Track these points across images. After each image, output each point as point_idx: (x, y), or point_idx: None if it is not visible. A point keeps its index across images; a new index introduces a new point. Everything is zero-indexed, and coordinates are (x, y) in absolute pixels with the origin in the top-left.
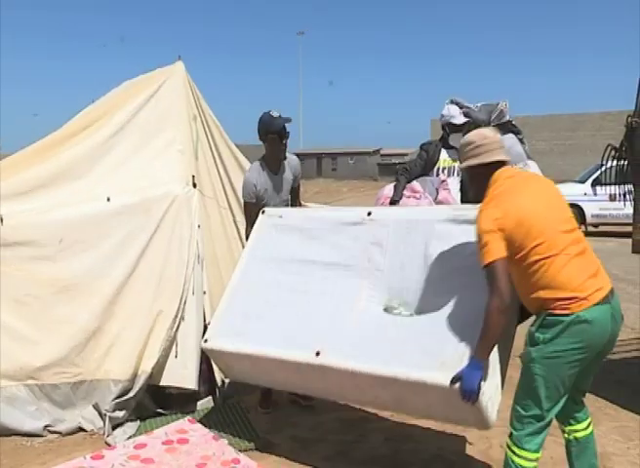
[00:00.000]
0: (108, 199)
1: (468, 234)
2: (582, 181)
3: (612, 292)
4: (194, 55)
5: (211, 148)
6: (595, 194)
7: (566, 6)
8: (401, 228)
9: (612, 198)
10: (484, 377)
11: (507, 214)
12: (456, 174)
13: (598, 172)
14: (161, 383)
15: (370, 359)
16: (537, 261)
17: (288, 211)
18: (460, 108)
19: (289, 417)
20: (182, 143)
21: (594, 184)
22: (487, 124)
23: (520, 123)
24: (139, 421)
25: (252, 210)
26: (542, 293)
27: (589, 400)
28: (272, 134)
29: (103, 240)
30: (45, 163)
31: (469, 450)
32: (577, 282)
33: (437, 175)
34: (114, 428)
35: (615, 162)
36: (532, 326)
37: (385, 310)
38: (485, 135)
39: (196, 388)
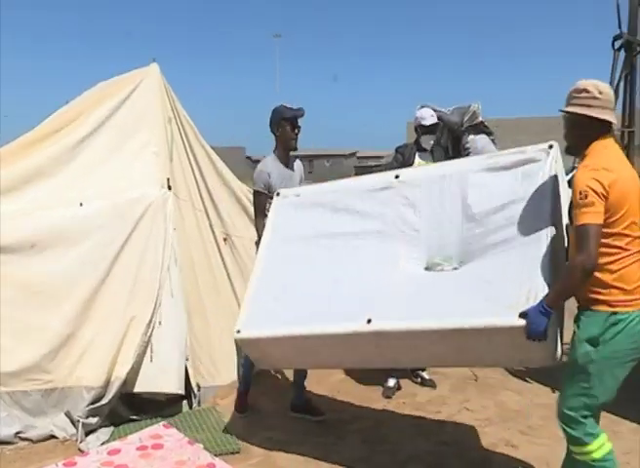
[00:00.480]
0: (81, 204)
1: (505, 181)
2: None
3: None
4: (168, 56)
5: (186, 150)
6: None
7: (537, 9)
8: (434, 185)
9: None
10: (551, 319)
11: (615, 186)
12: None
13: (571, 173)
14: (138, 389)
15: (427, 315)
16: (616, 246)
17: (304, 189)
18: (434, 112)
19: (265, 420)
20: (157, 145)
21: (569, 186)
22: (460, 126)
23: (494, 125)
24: (112, 427)
25: (263, 200)
26: (607, 278)
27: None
28: (285, 120)
29: (77, 244)
30: (17, 165)
31: (445, 451)
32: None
33: None
34: (87, 434)
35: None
36: (587, 326)
37: (427, 269)
38: (600, 88)
39: (182, 392)
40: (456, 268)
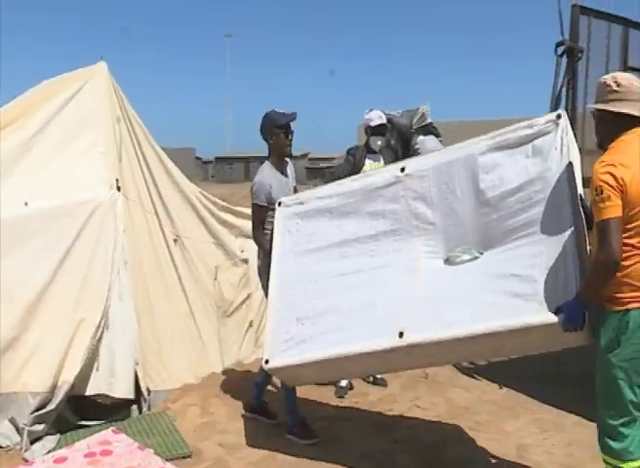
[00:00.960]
0: (26, 203)
1: (517, 159)
2: None
3: None
4: (117, 55)
5: (135, 151)
6: None
7: (489, 12)
8: (442, 174)
9: None
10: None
11: (632, 182)
12: None
13: None
14: (86, 394)
15: (459, 322)
16: (628, 244)
17: (306, 195)
18: (384, 114)
19: (217, 424)
20: (105, 145)
21: None
22: (409, 128)
23: (444, 128)
24: (59, 434)
25: (263, 212)
26: (620, 277)
27: (508, 394)
28: (279, 128)
29: (22, 245)
30: None
31: (396, 449)
32: None
33: None
34: (32, 443)
35: None
36: (603, 330)
37: (447, 261)
38: (618, 80)
39: (132, 397)
40: (477, 257)
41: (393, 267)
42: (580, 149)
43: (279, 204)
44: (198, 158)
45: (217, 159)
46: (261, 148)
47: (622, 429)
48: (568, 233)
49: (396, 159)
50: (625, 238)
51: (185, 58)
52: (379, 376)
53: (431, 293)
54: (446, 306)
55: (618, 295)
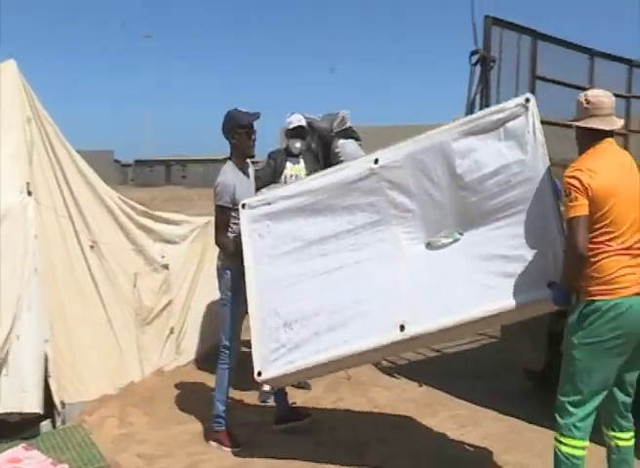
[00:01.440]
0: None
1: (490, 144)
2: None
3: None
4: (29, 54)
5: (47, 153)
6: None
7: (410, 18)
8: (417, 162)
9: None
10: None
11: (597, 186)
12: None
13: None
14: None
15: (459, 307)
16: (597, 242)
17: (272, 195)
18: (305, 118)
19: (136, 434)
20: (15, 147)
21: None
22: (329, 131)
23: (363, 133)
24: None
25: (227, 214)
26: (587, 269)
27: (427, 391)
28: (242, 127)
29: None
30: None
31: (320, 451)
32: (621, 272)
33: (285, 182)
34: None
35: None
36: (571, 314)
37: (429, 245)
38: (589, 97)
39: (41, 412)
40: (457, 239)
41: (377, 258)
42: None
43: (243, 206)
44: (117, 161)
45: (136, 162)
46: (183, 151)
47: (570, 407)
48: (551, 213)
49: (317, 162)
50: (593, 237)
51: (103, 59)
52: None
53: (423, 281)
54: (442, 293)
55: (586, 288)
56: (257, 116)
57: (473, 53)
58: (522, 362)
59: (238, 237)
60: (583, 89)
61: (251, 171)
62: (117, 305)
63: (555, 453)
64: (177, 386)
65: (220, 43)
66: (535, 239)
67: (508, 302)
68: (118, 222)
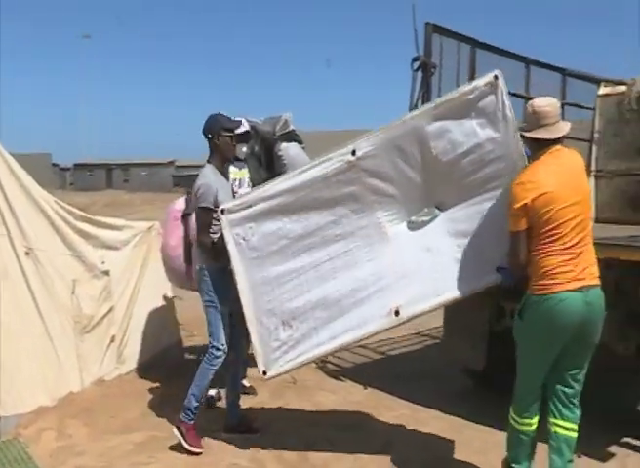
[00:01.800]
0: None
1: (463, 123)
2: None
3: (594, 286)
4: None
5: None
6: None
7: (343, 21)
8: (394, 148)
9: None
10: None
11: (537, 197)
12: (246, 185)
13: None
14: None
15: (447, 286)
16: (539, 244)
17: (252, 197)
18: (247, 122)
19: (75, 446)
20: None
21: None
22: (272, 134)
23: (309, 137)
24: None
25: (209, 216)
26: (531, 271)
27: (371, 393)
28: (227, 131)
29: None
30: None
31: (265, 456)
32: (559, 270)
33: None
34: None
35: None
36: (518, 307)
37: (410, 224)
38: (533, 107)
39: None
40: (437, 215)
41: (363, 245)
42: None
43: (222, 211)
44: (55, 164)
45: (76, 165)
46: (125, 154)
47: (518, 390)
48: None
49: (260, 165)
50: (537, 239)
51: (39, 59)
52: (247, 385)
53: (412, 263)
54: (431, 273)
55: (529, 283)
56: (239, 124)
57: (415, 59)
58: (463, 361)
59: (221, 237)
60: (520, 96)
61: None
62: (55, 313)
63: (509, 431)
64: (118, 396)
65: (161, 45)
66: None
67: (492, 278)
68: (55, 227)
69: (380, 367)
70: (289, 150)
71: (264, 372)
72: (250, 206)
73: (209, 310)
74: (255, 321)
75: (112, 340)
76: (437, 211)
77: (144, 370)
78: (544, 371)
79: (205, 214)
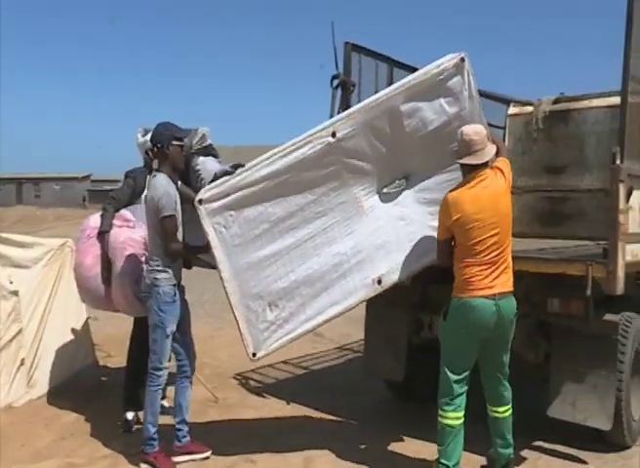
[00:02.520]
0: None
1: (432, 100)
2: None
3: (506, 294)
4: None
5: None
6: None
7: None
8: (370, 127)
9: None
10: None
11: (456, 218)
12: None
13: None
14: None
15: (424, 251)
16: (461, 255)
17: (228, 185)
18: None
19: None
20: None
21: None
22: (189, 148)
23: (231, 152)
24: None
25: (174, 223)
26: (455, 277)
27: (295, 409)
28: (177, 140)
29: None
30: None
31: None
32: (475, 278)
33: (146, 202)
34: None
35: None
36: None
37: (382, 196)
38: (463, 136)
39: None
40: (402, 186)
41: (342, 220)
42: None
43: (200, 202)
44: None
45: None
46: (37, 169)
47: (443, 386)
48: None
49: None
50: (459, 250)
51: None
52: (167, 405)
53: (390, 233)
54: (409, 241)
55: (453, 288)
56: (188, 133)
57: (334, 77)
58: (384, 374)
59: (184, 242)
60: None
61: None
62: None
63: (439, 425)
64: (28, 422)
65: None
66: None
67: None
68: None
69: (302, 382)
70: (207, 164)
71: (254, 354)
72: (228, 194)
73: (157, 330)
74: (241, 307)
75: (22, 363)
76: (406, 181)
77: (57, 394)
78: (465, 366)
79: (171, 222)
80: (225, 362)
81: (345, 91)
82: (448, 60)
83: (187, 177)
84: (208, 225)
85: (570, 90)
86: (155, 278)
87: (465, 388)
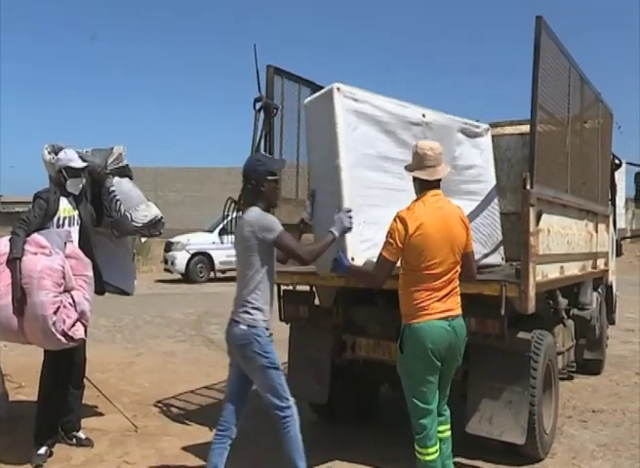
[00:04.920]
0: None
1: (468, 144)
2: (211, 231)
3: (457, 316)
4: None
5: None
6: (222, 243)
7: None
8: (440, 132)
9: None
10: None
11: (415, 233)
12: (76, 223)
13: (224, 222)
14: None
15: None
16: (415, 279)
17: (359, 93)
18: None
19: None
20: None
21: (221, 234)
22: (104, 168)
23: (153, 174)
24: None
25: (287, 235)
26: (404, 303)
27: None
28: (273, 175)
29: None
30: None
31: None
32: (425, 303)
33: (58, 225)
34: None
35: (235, 213)
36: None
37: None
38: (418, 150)
39: None
40: None
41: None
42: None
43: (338, 89)
44: None
45: None
46: None
47: (417, 422)
48: (495, 210)
49: (86, 201)
50: (411, 274)
51: None
52: (83, 436)
53: None
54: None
55: (404, 314)
56: (283, 163)
57: (257, 100)
58: (308, 396)
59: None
60: None
61: None
62: None
63: (419, 464)
64: None
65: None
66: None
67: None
68: None
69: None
70: (122, 185)
71: (352, 258)
72: (356, 100)
73: (270, 372)
74: (358, 210)
75: None
76: None
77: None
78: (432, 396)
79: (286, 235)
80: (146, 389)
81: (268, 114)
82: (482, 125)
83: (99, 199)
84: (340, 113)
85: (485, 117)
86: (254, 319)
87: (434, 418)
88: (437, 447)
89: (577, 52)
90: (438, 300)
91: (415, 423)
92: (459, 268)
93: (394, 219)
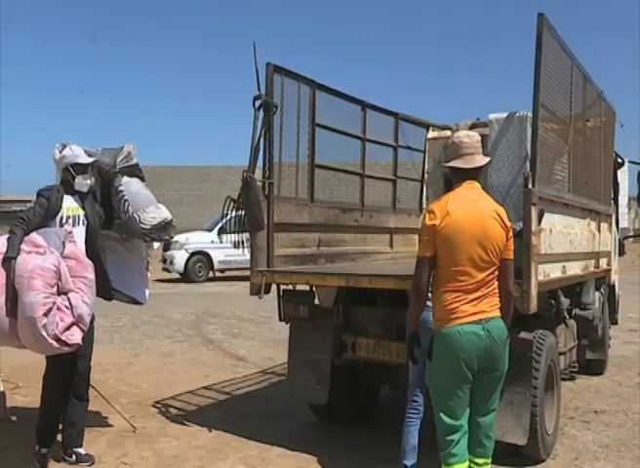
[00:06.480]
0: None
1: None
2: (210, 230)
3: (492, 318)
4: None
5: None
6: (221, 242)
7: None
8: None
9: (235, 245)
10: None
11: (445, 227)
12: (81, 223)
13: (223, 221)
14: None
15: None
16: (443, 279)
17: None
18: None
19: None
20: None
21: (220, 233)
22: (113, 166)
23: (151, 173)
24: None
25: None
26: (434, 306)
27: (217, 436)
28: None
29: None
30: None
31: None
32: (454, 305)
33: (61, 225)
34: None
35: (234, 212)
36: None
37: None
38: (454, 139)
39: None
40: None
41: None
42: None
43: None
44: None
45: None
46: None
47: (441, 436)
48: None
49: (95, 201)
50: (440, 277)
51: None
52: (83, 452)
53: None
54: None
55: (435, 319)
56: None
57: (256, 98)
58: (308, 397)
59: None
60: (358, 137)
61: None
62: None
63: None
64: None
65: None
66: None
67: None
68: None
69: (225, 407)
70: (131, 186)
71: None
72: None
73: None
74: None
75: None
76: None
77: None
78: (461, 411)
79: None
80: (144, 389)
81: (267, 112)
82: None
83: (108, 199)
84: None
85: (484, 115)
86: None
87: (466, 434)
88: (465, 465)
89: (579, 50)
90: (468, 303)
91: (440, 438)
92: (496, 271)
93: (425, 213)
